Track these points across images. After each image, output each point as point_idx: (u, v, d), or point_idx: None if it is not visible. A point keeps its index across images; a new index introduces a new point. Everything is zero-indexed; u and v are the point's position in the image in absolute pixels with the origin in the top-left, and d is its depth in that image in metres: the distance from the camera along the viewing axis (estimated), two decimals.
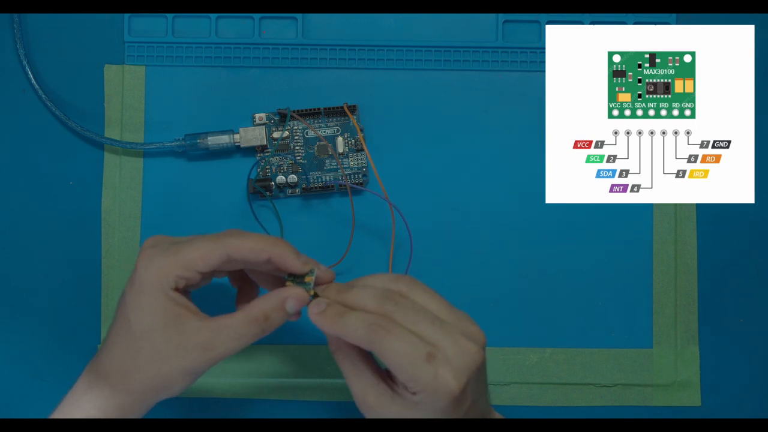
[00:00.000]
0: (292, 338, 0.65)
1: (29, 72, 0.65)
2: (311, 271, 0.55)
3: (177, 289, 0.54)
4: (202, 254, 0.54)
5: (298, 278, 0.56)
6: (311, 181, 0.65)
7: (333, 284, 0.55)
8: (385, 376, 0.53)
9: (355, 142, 0.65)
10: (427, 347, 0.51)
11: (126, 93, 0.66)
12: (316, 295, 0.55)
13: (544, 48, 0.66)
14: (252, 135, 0.65)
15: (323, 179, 0.65)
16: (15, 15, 0.65)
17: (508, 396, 0.65)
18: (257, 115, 0.65)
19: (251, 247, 0.54)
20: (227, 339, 0.54)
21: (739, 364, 0.65)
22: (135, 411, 0.55)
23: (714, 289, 0.66)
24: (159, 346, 0.53)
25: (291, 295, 0.55)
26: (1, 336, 0.65)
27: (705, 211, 0.66)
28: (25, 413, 0.64)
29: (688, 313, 0.66)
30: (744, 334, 0.66)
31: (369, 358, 0.54)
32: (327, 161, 0.65)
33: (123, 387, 0.54)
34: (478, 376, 0.53)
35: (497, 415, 0.57)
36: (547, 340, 0.66)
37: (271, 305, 0.55)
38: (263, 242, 0.55)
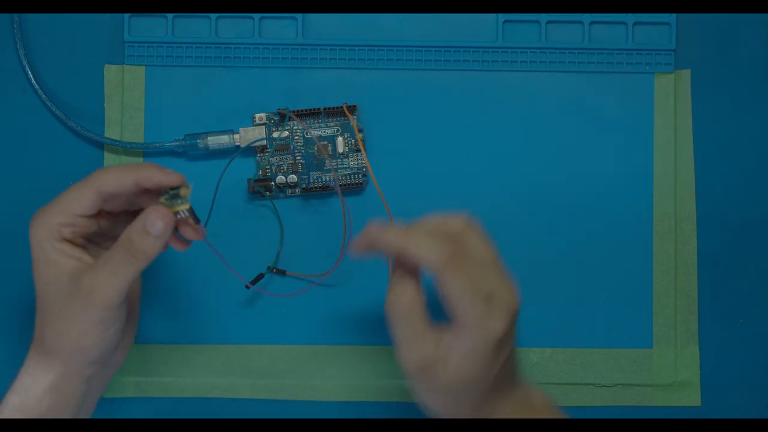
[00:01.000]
0: (292, 338, 0.65)
1: (29, 72, 0.65)
2: (186, 184, 0.53)
3: (66, 240, 0.54)
4: (74, 196, 0.53)
5: (172, 193, 0.53)
6: (311, 181, 0.65)
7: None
8: (438, 334, 0.53)
9: (355, 142, 0.65)
10: (488, 286, 0.52)
11: (126, 93, 0.66)
12: (192, 211, 0.53)
13: (544, 48, 0.66)
14: (252, 135, 0.65)
15: (323, 179, 0.65)
16: (15, 15, 0.65)
17: None
18: (257, 115, 0.65)
19: (116, 176, 0.53)
20: (105, 275, 0.52)
21: (739, 364, 0.65)
22: (70, 383, 0.55)
23: (714, 289, 0.66)
24: (55, 300, 0.53)
25: (150, 214, 0.52)
26: (1, 336, 0.65)
27: (705, 211, 0.66)
28: None
29: (688, 313, 0.66)
30: (744, 334, 0.66)
31: (427, 317, 0.53)
32: (327, 161, 0.65)
33: (41, 349, 0.54)
34: (514, 327, 0.54)
35: (525, 382, 0.58)
36: (547, 340, 0.66)
37: (134, 228, 0.52)
38: (126, 168, 0.53)
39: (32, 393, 0.54)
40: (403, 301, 0.53)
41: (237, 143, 0.64)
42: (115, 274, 0.52)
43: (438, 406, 0.54)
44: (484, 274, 0.53)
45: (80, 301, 0.53)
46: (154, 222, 0.52)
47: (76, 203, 0.53)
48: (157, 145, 0.65)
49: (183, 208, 0.53)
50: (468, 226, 0.54)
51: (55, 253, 0.53)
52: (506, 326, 0.52)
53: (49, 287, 0.54)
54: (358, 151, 0.65)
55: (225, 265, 0.60)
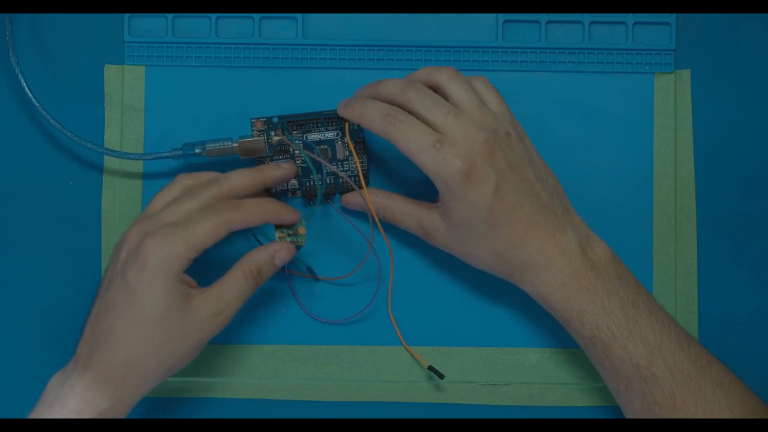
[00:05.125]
0: (292, 338, 0.65)
1: (24, 85, 0.63)
2: (302, 222, 0.61)
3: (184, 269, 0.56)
4: (209, 233, 0.56)
5: (290, 231, 0.61)
6: (311, 184, 0.65)
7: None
8: (431, 205, 0.61)
9: (356, 145, 0.65)
10: (435, 135, 0.56)
11: (126, 93, 0.66)
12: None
13: (544, 48, 0.66)
14: (251, 147, 0.63)
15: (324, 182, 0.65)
16: (5, 15, 0.64)
17: (508, 396, 0.65)
18: (255, 121, 0.64)
19: (251, 219, 0.58)
20: (232, 300, 0.57)
21: (739, 364, 0.65)
22: (122, 408, 0.56)
23: (714, 289, 0.66)
24: (173, 327, 0.55)
25: (280, 249, 0.60)
26: (1, 336, 0.65)
27: (705, 211, 0.66)
28: (26, 413, 0.64)
29: (688, 313, 0.66)
30: (744, 334, 0.66)
31: (414, 202, 0.62)
32: (326, 165, 0.65)
33: (135, 375, 0.55)
34: (505, 167, 0.57)
35: (593, 237, 0.61)
36: (547, 340, 0.66)
37: (262, 259, 0.59)
38: (257, 210, 0.59)
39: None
40: (391, 199, 0.62)
41: (236, 153, 0.63)
42: (241, 298, 0.58)
43: (472, 256, 0.60)
44: (438, 118, 0.57)
45: (201, 323, 0.56)
46: (284, 258, 0.60)
47: (209, 239, 0.56)
48: (155, 156, 0.64)
49: (301, 244, 0.61)
50: (450, 77, 0.58)
51: (179, 284, 0.56)
52: (467, 163, 0.56)
53: (167, 316, 0.55)
54: (359, 154, 0.65)
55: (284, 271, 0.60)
